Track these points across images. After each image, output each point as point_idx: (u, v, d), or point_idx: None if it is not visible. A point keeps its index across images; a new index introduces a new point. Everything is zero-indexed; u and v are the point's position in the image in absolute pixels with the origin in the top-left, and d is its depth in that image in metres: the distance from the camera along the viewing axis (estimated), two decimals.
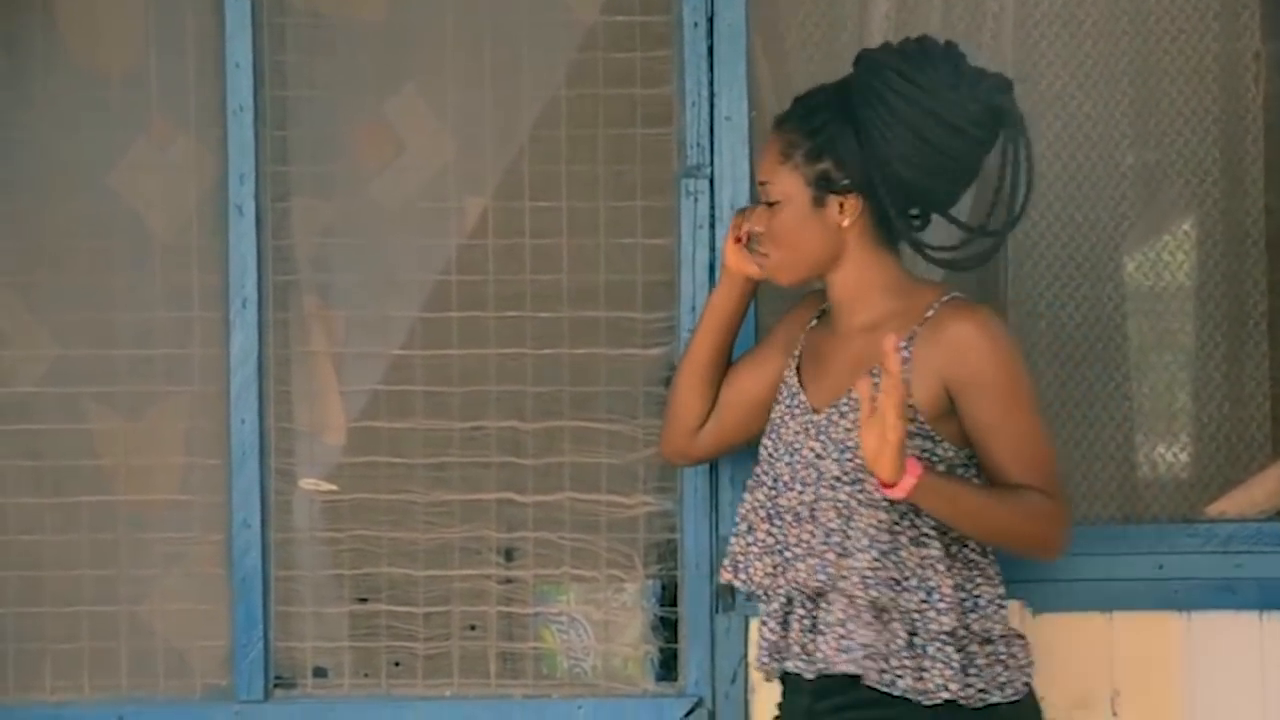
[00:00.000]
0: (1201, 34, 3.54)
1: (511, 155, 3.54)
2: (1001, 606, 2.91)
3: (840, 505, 2.86)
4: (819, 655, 2.86)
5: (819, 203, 2.92)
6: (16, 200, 3.57)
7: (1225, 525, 3.40)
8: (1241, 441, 3.53)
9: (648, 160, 3.47)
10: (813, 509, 2.88)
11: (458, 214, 3.54)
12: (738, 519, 2.99)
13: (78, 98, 3.55)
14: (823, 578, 2.85)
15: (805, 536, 2.88)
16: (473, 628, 3.49)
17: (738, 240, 3.06)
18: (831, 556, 2.85)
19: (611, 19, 3.50)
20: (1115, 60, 3.54)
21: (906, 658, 2.83)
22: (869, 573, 2.82)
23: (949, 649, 2.83)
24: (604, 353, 3.46)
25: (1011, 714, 2.88)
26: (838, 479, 2.87)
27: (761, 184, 2.97)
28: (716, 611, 3.37)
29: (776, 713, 3.01)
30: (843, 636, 2.85)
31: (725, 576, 2.98)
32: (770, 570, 2.93)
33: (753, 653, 3.02)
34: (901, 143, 2.87)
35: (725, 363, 3.15)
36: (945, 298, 2.91)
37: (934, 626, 2.83)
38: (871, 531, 2.84)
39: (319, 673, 3.49)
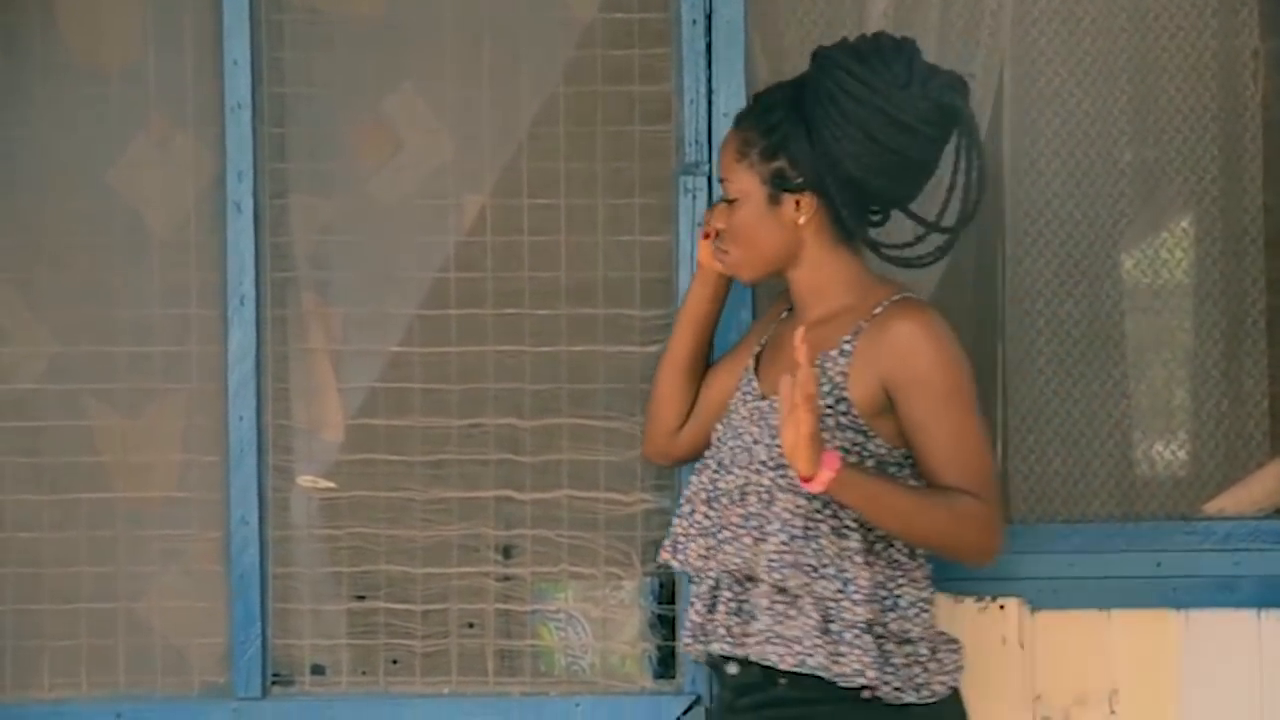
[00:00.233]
0: (1200, 31, 3.54)
1: (510, 153, 3.54)
2: (924, 609, 2.91)
3: (763, 490, 2.89)
4: (750, 640, 2.89)
5: (774, 200, 2.94)
6: (14, 197, 3.56)
7: (1223, 523, 3.40)
8: (1240, 439, 3.53)
9: (646, 157, 3.47)
10: (743, 492, 2.92)
11: (456, 211, 3.54)
12: (682, 500, 3.01)
13: (75, 95, 3.54)
14: (738, 561, 2.88)
15: (734, 519, 2.91)
16: (471, 625, 3.49)
17: (707, 236, 3.07)
18: (749, 540, 2.88)
19: (610, 16, 3.49)
20: (1113, 57, 3.54)
21: (819, 639, 2.84)
22: (775, 556, 2.85)
23: (866, 637, 2.84)
24: (602, 350, 3.46)
25: (927, 715, 2.89)
26: (764, 463, 2.90)
27: (721, 181, 3.00)
28: None
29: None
30: (750, 619, 2.89)
31: (664, 556, 3.00)
32: (703, 552, 2.95)
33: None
34: (851, 141, 2.88)
35: (704, 361, 3.17)
36: (895, 296, 2.92)
37: (848, 616, 2.84)
38: (786, 516, 2.86)
39: (317, 670, 3.49)
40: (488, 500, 3.49)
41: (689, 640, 2.98)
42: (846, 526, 2.87)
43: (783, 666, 2.86)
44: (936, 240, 2.99)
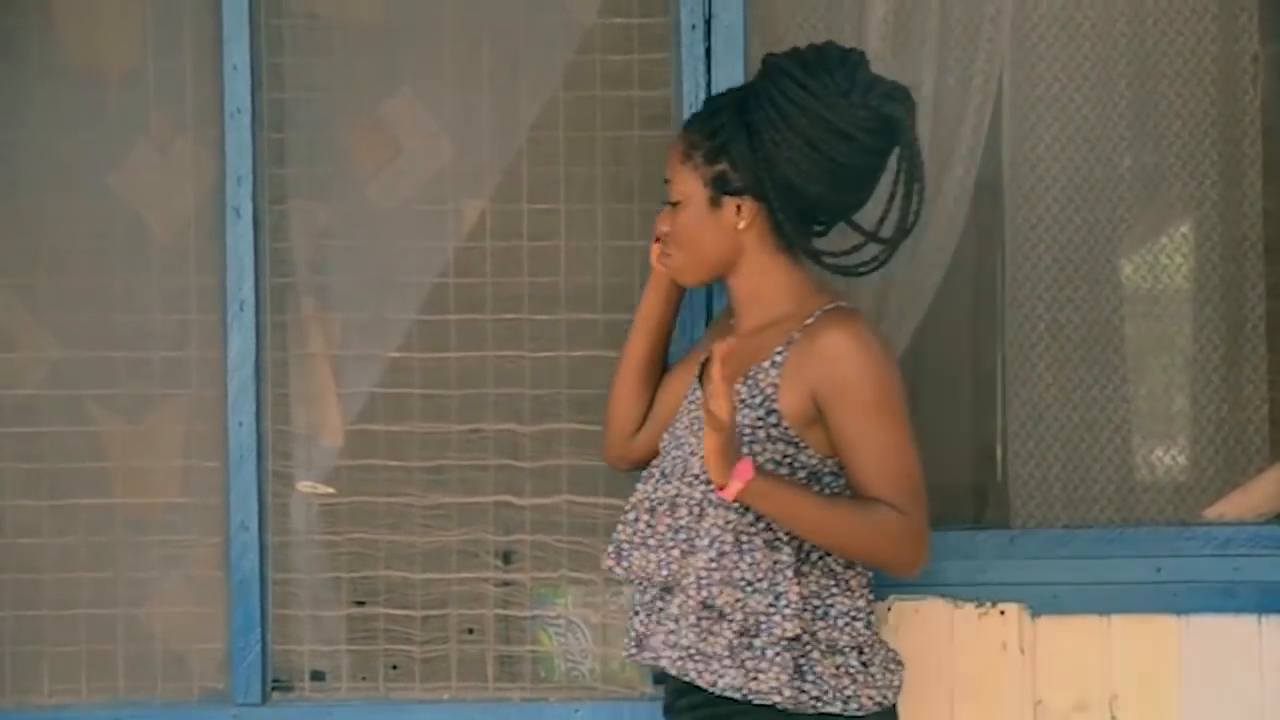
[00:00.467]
0: (1200, 36, 3.54)
1: (509, 158, 3.54)
2: (856, 619, 2.90)
3: (694, 503, 2.89)
4: (648, 644, 2.91)
5: (715, 203, 2.94)
6: (14, 201, 3.56)
7: (1223, 528, 3.40)
8: (1239, 444, 3.53)
9: (645, 163, 3.46)
10: (674, 503, 2.92)
11: (455, 216, 3.54)
12: (627, 508, 3.00)
13: (75, 99, 3.54)
14: (666, 572, 2.89)
15: (661, 529, 2.92)
16: (470, 631, 3.49)
17: (658, 240, 3.06)
18: (676, 553, 2.89)
19: (609, 21, 3.49)
20: (1113, 62, 3.54)
21: (732, 658, 2.84)
22: (704, 573, 2.85)
23: (785, 655, 2.84)
24: (602, 355, 3.45)
25: None
26: (696, 476, 2.91)
27: (666, 183, 3.00)
28: None
29: None
30: (671, 632, 2.88)
31: (608, 564, 2.99)
32: (642, 562, 2.95)
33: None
34: (791, 148, 2.89)
35: (660, 365, 3.17)
36: (828, 306, 2.92)
37: (777, 631, 2.84)
38: (715, 532, 2.86)
39: (316, 676, 3.49)
40: (487, 505, 3.49)
41: (633, 649, 2.97)
42: (779, 539, 2.86)
43: (700, 684, 2.87)
44: (874, 250, 2.98)
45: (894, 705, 2.94)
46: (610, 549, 3.00)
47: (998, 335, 3.60)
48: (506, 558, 3.51)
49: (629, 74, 3.47)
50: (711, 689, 2.86)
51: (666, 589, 2.92)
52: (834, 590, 2.90)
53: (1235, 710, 3.33)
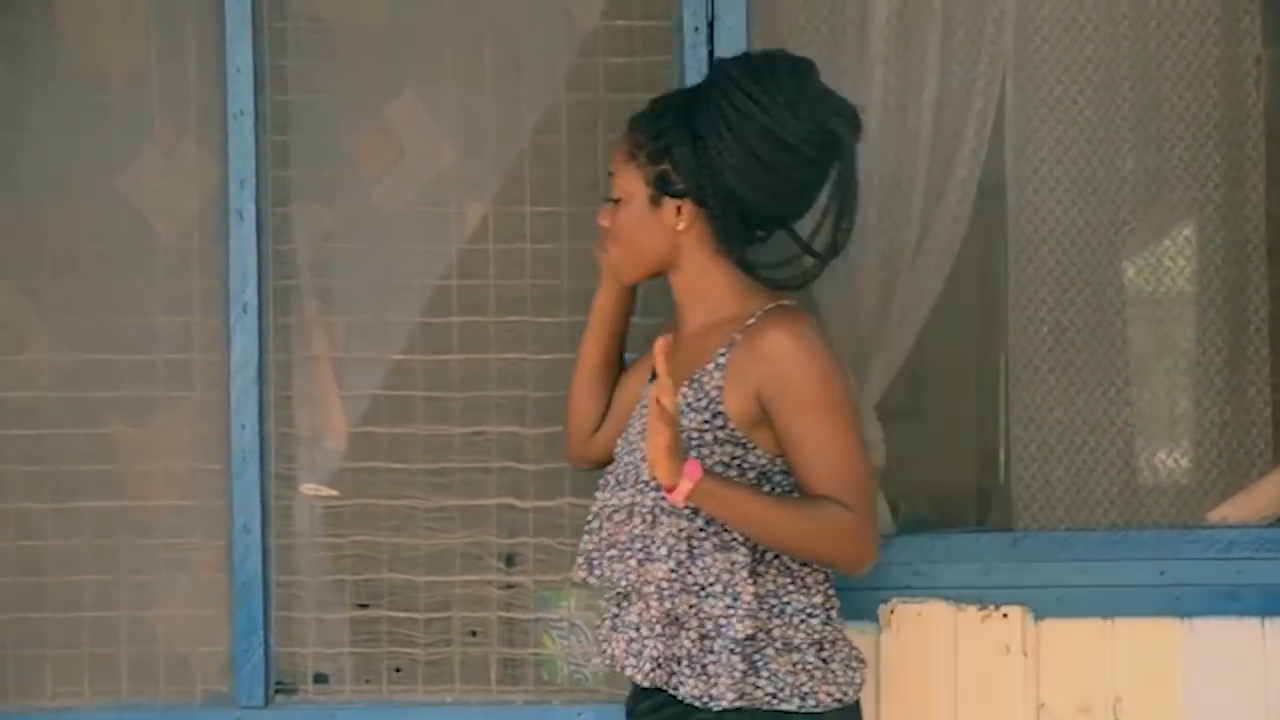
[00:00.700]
0: (1202, 39, 3.54)
1: (512, 160, 3.54)
2: (812, 616, 2.89)
3: (646, 511, 2.89)
4: (608, 651, 2.91)
5: (655, 203, 2.95)
6: (19, 204, 3.56)
7: (1227, 531, 3.40)
8: (1243, 447, 3.53)
9: None
10: (629, 511, 2.92)
11: (458, 219, 3.54)
12: (590, 516, 3.00)
13: (79, 103, 3.54)
14: (625, 582, 2.89)
15: (622, 538, 2.92)
16: (474, 633, 3.49)
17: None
18: (634, 562, 2.89)
19: (611, 24, 3.49)
20: (1116, 65, 3.54)
21: (698, 662, 2.85)
22: (664, 583, 2.86)
23: (735, 657, 2.84)
24: None
25: None
26: (646, 483, 2.90)
27: (610, 176, 3.00)
28: None
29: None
30: (633, 640, 2.89)
31: (580, 575, 2.99)
32: (608, 568, 2.95)
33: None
34: (733, 154, 2.89)
35: (617, 365, 3.17)
36: (769, 305, 2.92)
37: (730, 633, 2.84)
38: (670, 540, 2.86)
39: (320, 679, 3.49)
40: (490, 508, 3.49)
41: (606, 660, 2.97)
42: (733, 540, 2.86)
43: (668, 689, 2.87)
44: (806, 263, 2.99)
45: (856, 703, 2.93)
46: (580, 560, 2.99)
47: (1001, 338, 3.60)
48: (510, 560, 3.51)
49: (631, 76, 3.47)
50: (675, 694, 2.87)
51: (625, 596, 2.92)
52: (791, 588, 2.89)
53: (1239, 713, 3.33)
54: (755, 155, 2.89)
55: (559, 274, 3.49)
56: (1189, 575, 3.35)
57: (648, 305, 3.22)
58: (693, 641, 2.86)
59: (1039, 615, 3.33)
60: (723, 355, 2.88)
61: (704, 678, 2.85)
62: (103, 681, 3.50)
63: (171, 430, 3.52)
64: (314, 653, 3.49)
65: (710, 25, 3.40)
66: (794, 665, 2.87)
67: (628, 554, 2.90)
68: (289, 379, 3.52)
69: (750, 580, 2.85)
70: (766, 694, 2.85)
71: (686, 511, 2.85)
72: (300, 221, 3.52)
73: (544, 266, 3.49)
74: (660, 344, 2.70)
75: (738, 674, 2.83)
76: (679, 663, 2.87)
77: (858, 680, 2.92)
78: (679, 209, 2.94)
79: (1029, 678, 3.33)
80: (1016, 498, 3.53)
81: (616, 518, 2.95)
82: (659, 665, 2.87)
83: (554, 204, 3.50)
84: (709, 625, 2.85)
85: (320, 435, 3.54)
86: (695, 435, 2.87)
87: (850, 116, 2.93)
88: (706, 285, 2.96)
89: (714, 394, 2.88)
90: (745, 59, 2.98)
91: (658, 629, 2.86)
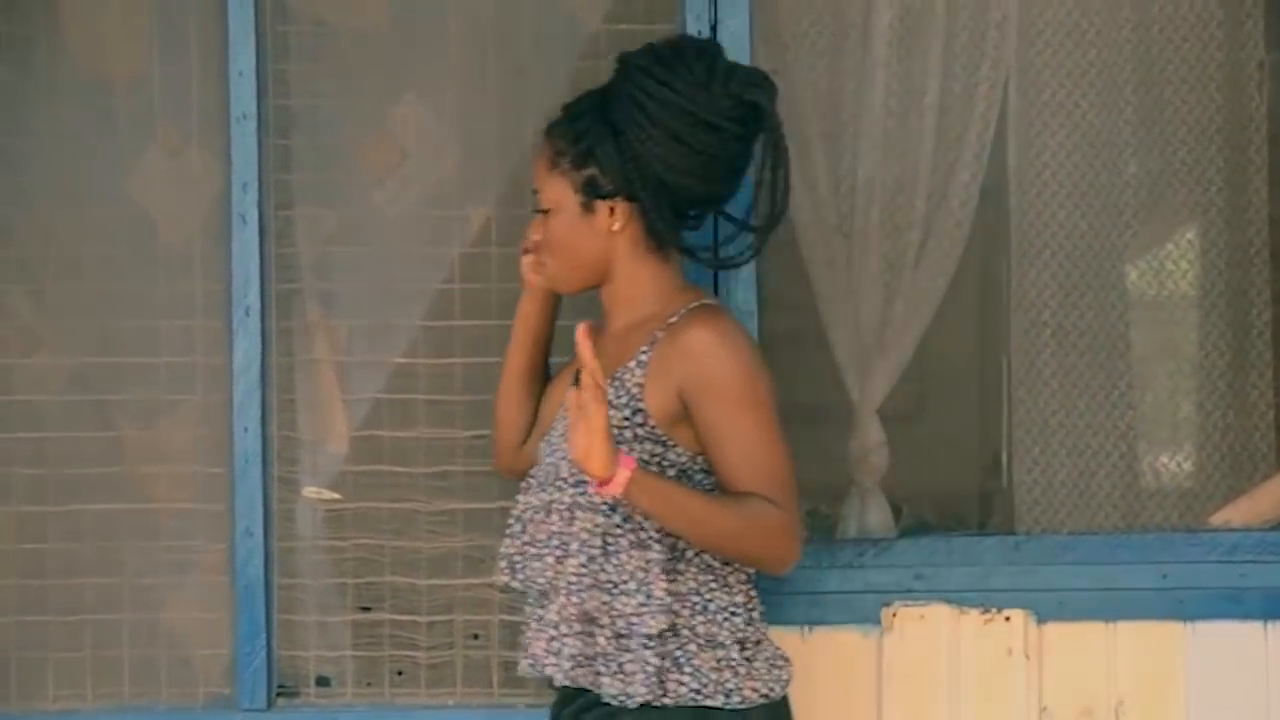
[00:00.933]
0: (1205, 43, 3.54)
1: (515, 163, 3.53)
2: (735, 614, 2.87)
3: (563, 508, 2.88)
4: (529, 652, 2.89)
5: (588, 209, 2.93)
6: (21, 208, 3.56)
7: (1230, 534, 3.40)
8: (1245, 450, 3.53)
9: None
10: (547, 509, 2.91)
11: (461, 222, 3.53)
12: (511, 520, 2.98)
13: (82, 107, 3.54)
14: (541, 580, 2.88)
15: (540, 537, 2.91)
16: (476, 637, 3.49)
17: (527, 252, 3.04)
18: (551, 559, 2.87)
19: (615, 27, 3.49)
20: (1118, 69, 3.54)
21: (613, 661, 2.84)
22: (574, 579, 2.84)
23: (649, 653, 2.82)
24: None
25: None
26: (564, 480, 2.89)
27: (534, 192, 2.98)
28: None
29: None
30: (553, 639, 2.87)
31: (503, 578, 2.97)
32: (530, 570, 2.93)
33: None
34: (658, 144, 2.88)
35: (542, 376, 3.15)
36: (693, 304, 2.91)
37: (643, 630, 2.82)
38: (584, 536, 2.85)
39: (322, 682, 3.49)
40: (492, 511, 3.48)
41: (531, 663, 2.94)
42: (649, 538, 2.85)
43: (588, 687, 2.86)
44: (746, 240, 2.98)
45: (785, 701, 2.91)
46: (502, 564, 2.97)
47: (1003, 341, 3.60)
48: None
49: None
50: (595, 689, 2.85)
51: (545, 595, 2.90)
52: (713, 586, 2.87)
53: (1241, 716, 3.33)
54: (680, 140, 2.88)
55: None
56: (1191, 578, 3.35)
57: (575, 308, 3.19)
58: (608, 640, 2.84)
59: (1041, 618, 3.33)
60: (644, 353, 2.87)
61: (621, 675, 2.83)
62: (105, 684, 3.50)
63: (174, 433, 3.52)
64: (316, 656, 3.49)
65: (713, 29, 3.40)
66: (717, 662, 2.85)
67: (545, 551, 2.88)
68: (291, 382, 3.52)
69: (663, 577, 2.83)
70: (690, 690, 2.83)
71: (604, 507, 2.83)
72: (303, 225, 3.52)
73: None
74: (581, 329, 2.67)
75: (651, 670, 2.82)
76: (596, 661, 2.85)
77: (784, 678, 2.90)
78: (612, 210, 2.92)
79: (1031, 681, 3.33)
80: (1019, 501, 3.53)
81: (537, 518, 2.92)
82: (579, 664, 2.85)
83: None
84: (621, 623, 2.83)
85: (322, 439, 3.53)
86: (616, 432, 2.83)
87: (765, 84, 2.92)
88: (634, 286, 2.94)
89: (635, 391, 2.87)
90: (650, 48, 2.96)
91: (575, 627, 2.85)
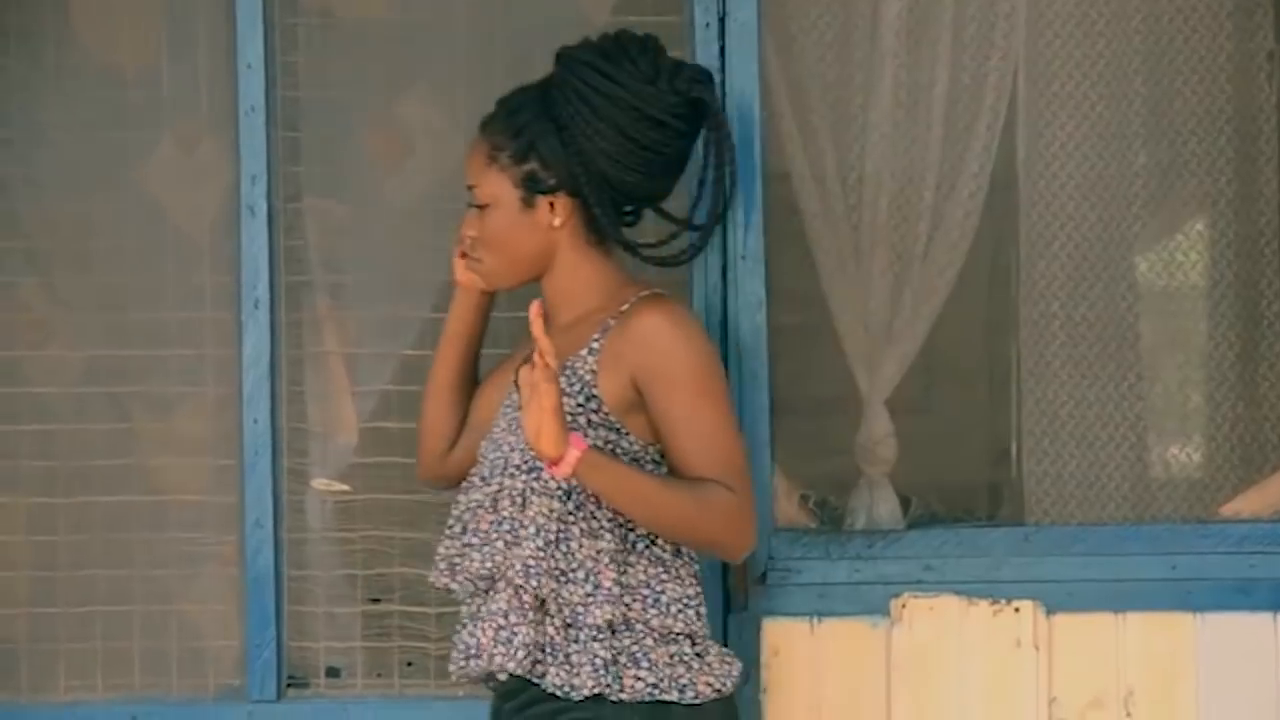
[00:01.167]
0: (1215, 33, 3.53)
1: None
2: (688, 607, 2.87)
3: (516, 494, 2.85)
4: (475, 643, 2.86)
5: (528, 204, 2.91)
6: (30, 201, 3.57)
7: (1239, 526, 3.39)
8: (1255, 442, 3.53)
9: None
10: (495, 499, 2.88)
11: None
12: (451, 520, 2.95)
13: (91, 99, 3.55)
14: (489, 565, 2.84)
15: (484, 527, 2.88)
16: None
17: (464, 256, 3.01)
18: (501, 545, 2.84)
19: (623, 19, 3.48)
20: (1128, 59, 3.54)
21: (561, 651, 2.82)
22: (531, 562, 2.81)
23: (595, 644, 2.81)
24: None
25: (687, 716, 2.84)
26: (517, 467, 2.86)
27: (469, 188, 2.95)
28: (729, 612, 3.37)
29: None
30: (501, 628, 2.84)
31: (442, 581, 2.94)
32: (467, 564, 2.90)
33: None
34: (604, 139, 2.87)
35: (472, 380, 3.13)
36: (643, 293, 2.90)
37: (590, 620, 2.81)
38: (540, 520, 2.82)
39: (332, 673, 3.49)
40: None
41: (461, 662, 2.92)
42: (600, 528, 2.83)
43: (532, 678, 2.83)
44: (691, 237, 2.97)
45: (732, 695, 2.90)
46: (441, 565, 2.94)
47: (1013, 332, 3.60)
48: None
49: None
50: (540, 683, 2.83)
51: (488, 586, 2.87)
52: (664, 578, 2.86)
53: (1251, 707, 3.33)
54: (625, 135, 2.87)
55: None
56: (1201, 570, 3.35)
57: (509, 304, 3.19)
58: (557, 629, 2.83)
59: (1050, 609, 3.33)
60: (596, 340, 2.86)
61: (567, 666, 2.81)
62: (115, 676, 3.51)
63: (184, 425, 3.53)
64: (326, 647, 3.49)
65: (721, 21, 3.39)
66: (671, 656, 2.84)
67: (494, 537, 2.85)
68: (301, 374, 3.52)
69: (611, 567, 2.81)
70: (647, 685, 2.82)
71: (559, 493, 2.82)
72: (311, 217, 3.52)
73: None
74: (534, 307, 2.67)
75: (600, 663, 2.80)
76: (543, 651, 2.83)
77: (734, 673, 2.89)
78: (552, 205, 2.91)
79: (1040, 672, 3.33)
80: (1028, 492, 3.53)
81: (480, 512, 2.90)
82: (529, 652, 2.82)
83: None
84: (567, 612, 2.81)
85: (332, 430, 3.54)
86: (570, 419, 2.82)
87: (709, 81, 2.93)
88: (577, 281, 2.93)
89: (588, 378, 2.86)
90: (591, 43, 2.96)
91: (529, 614, 2.82)
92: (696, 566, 2.91)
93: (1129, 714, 3.33)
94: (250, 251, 3.45)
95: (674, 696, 2.83)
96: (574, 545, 2.82)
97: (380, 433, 3.52)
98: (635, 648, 2.83)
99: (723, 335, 3.36)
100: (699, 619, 2.88)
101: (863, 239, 3.49)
